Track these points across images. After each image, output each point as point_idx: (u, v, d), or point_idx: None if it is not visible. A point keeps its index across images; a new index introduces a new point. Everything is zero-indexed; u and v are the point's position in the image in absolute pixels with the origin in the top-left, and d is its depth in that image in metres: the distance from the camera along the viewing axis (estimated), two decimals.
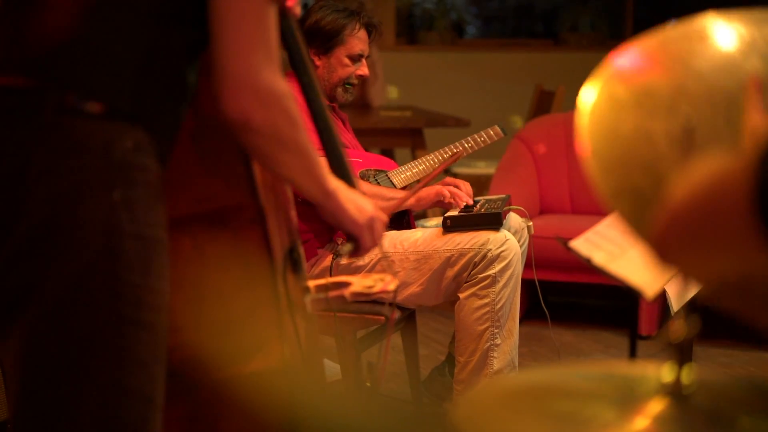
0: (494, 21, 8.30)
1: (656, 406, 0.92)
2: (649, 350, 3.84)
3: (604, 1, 7.55)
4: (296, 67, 1.73)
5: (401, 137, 5.10)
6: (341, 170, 1.75)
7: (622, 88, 0.93)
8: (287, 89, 1.44)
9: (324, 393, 1.82)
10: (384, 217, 1.72)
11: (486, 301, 2.89)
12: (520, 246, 2.98)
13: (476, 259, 2.88)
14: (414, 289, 2.93)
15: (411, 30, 7.40)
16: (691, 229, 0.72)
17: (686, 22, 0.98)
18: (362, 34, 3.07)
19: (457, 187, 3.09)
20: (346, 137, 3.13)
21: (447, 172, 5.58)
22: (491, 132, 3.33)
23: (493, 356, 2.91)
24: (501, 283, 2.89)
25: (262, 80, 1.40)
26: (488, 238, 2.89)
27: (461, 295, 2.92)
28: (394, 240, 2.97)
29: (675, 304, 2.13)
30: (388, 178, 3.16)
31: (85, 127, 1.31)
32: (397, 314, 3.00)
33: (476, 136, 3.31)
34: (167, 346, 1.38)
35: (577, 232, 2.04)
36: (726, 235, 0.69)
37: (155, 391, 1.35)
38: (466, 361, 2.94)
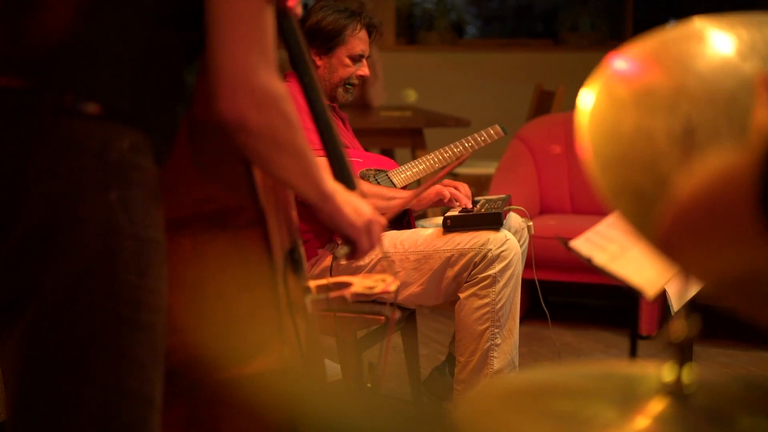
0: (494, 21, 8.30)
1: (657, 406, 0.92)
2: (650, 350, 3.84)
3: (604, 1, 7.56)
4: (297, 67, 1.72)
5: (401, 137, 5.10)
6: (342, 171, 1.74)
7: (623, 87, 0.93)
8: (284, 90, 1.43)
9: (325, 393, 1.82)
10: (383, 220, 1.71)
11: (486, 301, 2.89)
12: (521, 246, 2.98)
13: (476, 259, 2.88)
14: (414, 289, 2.93)
15: (411, 30, 7.41)
16: (696, 224, 0.72)
17: (685, 24, 0.98)
18: (363, 34, 3.08)
19: (455, 189, 3.09)
20: (346, 137, 3.13)
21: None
22: (491, 131, 3.34)
23: (493, 356, 2.92)
24: (501, 283, 2.89)
25: (258, 81, 1.39)
26: (488, 238, 2.89)
27: (461, 295, 2.92)
28: (395, 240, 2.98)
29: (675, 303, 2.13)
30: (388, 177, 3.16)
31: (82, 127, 1.31)
32: (397, 315, 3.00)
33: (476, 136, 3.31)
34: (167, 347, 1.38)
35: (578, 232, 2.04)
36: (731, 230, 0.69)
37: (153, 392, 1.35)
38: (467, 361, 2.94)
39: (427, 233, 2.99)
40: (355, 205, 1.64)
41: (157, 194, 1.37)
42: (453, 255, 2.90)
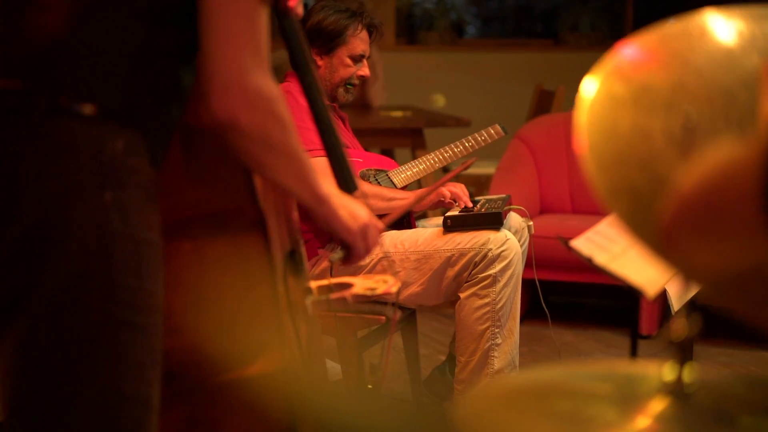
0: (494, 21, 8.30)
1: (657, 406, 0.91)
2: (650, 349, 3.84)
3: (604, 1, 7.55)
4: (298, 67, 1.70)
5: (401, 137, 5.09)
6: (343, 171, 1.73)
7: (621, 84, 0.93)
8: (277, 92, 1.42)
9: (326, 394, 1.82)
10: (380, 224, 1.70)
11: (486, 300, 2.89)
12: (521, 246, 2.98)
13: (477, 259, 2.88)
14: (414, 288, 2.93)
15: (411, 30, 7.40)
16: (699, 217, 0.72)
17: (685, 19, 0.98)
18: (364, 34, 3.08)
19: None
20: (346, 137, 3.13)
21: (446, 171, 5.58)
22: (492, 131, 3.34)
23: (493, 356, 2.92)
24: (501, 283, 2.89)
25: (250, 81, 1.37)
26: (489, 238, 2.89)
27: (462, 295, 2.92)
28: (395, 240, 2.98)
29: (676, 303, 2.13)
30: (389, 177, 3.16)
31: (76, 128, 1.30)
32: (398, 315, 3.00)
33: (477, 136, 3.31)
34: (166, 349, 1.38)
35: (578, 232, 2.04)
36: (734, 223, 0.69)
37: (151, 394, 1.34)
38: (467, 361, 2.94)
39: (427, 233, 2.99)
40: (352, 209, 1.62)
41: (153, 195, 1.37)
42: (453, 255, 2.90)
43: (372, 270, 2.92)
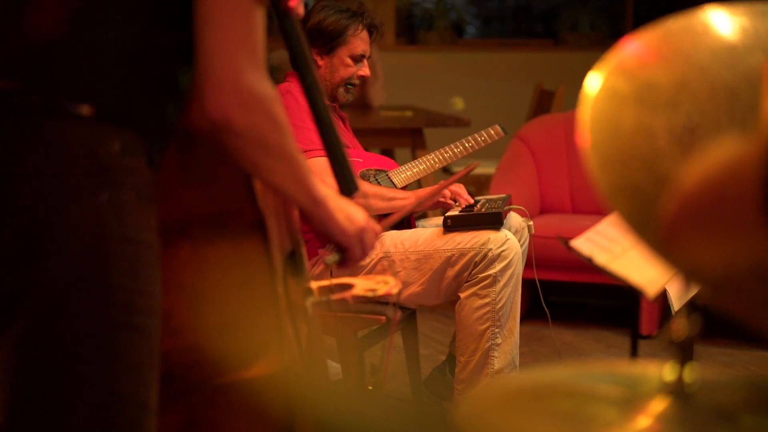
0: (494, 21, 8.30)
1: (658, 406, 0.91)
2: (651, 349, 3.84)
3: (604, 1, 7.56)
4: (299, 67, 1.69)
5: (401, 137, 5.09)
6: (343, 171, 1.72)
7: (624, 81, 0.93)
8: (271, 92, 1.40)
9: (326, 395, 1.81)
10: (377, 228, 1.69)
11: (487, 300, 2.89)
12: (521, 245, 2.98)
13: (477, 259, 2.88)
14: (415, 288, 2.93)
15: (411, 30, 7.40)
16: (702, 214, 0.72)
17: (689, 15, 0.97)
18: (364, 34, 3.08)
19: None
20: (346, 137, 3.13)
21: (446, 171, 5.58)
22: (491, 131, 3.34)
23: (493, 356, 2.92)
24: (501, 283, 2.89)
25: (244, 81, 1.36)
26: (489, 238, 2.89)
27: (462, 295, 2.92)
28: (395, 239, 2.98)
29: (676, 303, 2.13)
30: (389, 177, 3.16)
31: (71, 129, 1.29)
32: (399, 316, 3.00)
33: (476, 136, 3.31)
34: (166, 350, 1.37)
35: (578, 232, 2.04)
36: (736, 221, 0.69)
37: (149, 396, 1.33)
38: (467, 361, 2.94)
39: (427, 233, 2.99)
40: (348, 212, 1.60)
41: (150, 196, 1.36)
42: (453, 255, 2.90)
43: (372, 270, 2.92)
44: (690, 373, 0.92)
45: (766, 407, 0.92)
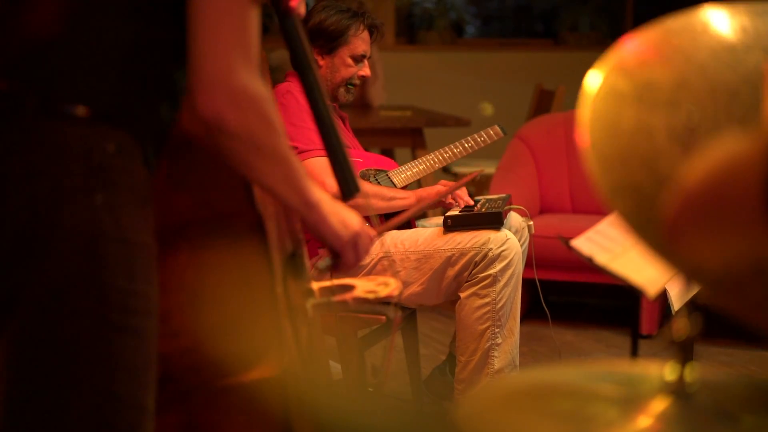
0: (493, 21, 8.30)
1: (658, 405, 0.91)
2: (651, 349, 3.84)
3: (604, 1, 7.55)
4: (299, 67, 1.68)
5: (401, 137, 5.09)
6: (344, 171, 1.71)
7: (624, 80, 0.93)
8: (265, 93, 1.39)
9: (328, 396, 1.81)
10: (372, 233, 1.68)
11: (487, 300, 2.89)
12: (521, 245, 2.98)
13: (477, 259, 2.88)
14: (415, 288, 2.93)
15: (411, 30, 7.40)
16: (703, 212, 0.72)
17: (688, 14, 0.97)
18: (365, 34, 3.09)
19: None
20: (346, 137, 3.13)
21: (445, 171, 5.58)
22: (491, 132, 3.34)
23: (494, 355, 2.92)
24: (502, 283, 2.89)
25: (237, 81, 1.34)
26: (489, 238, 2.89)
27: (462, 295, 2.92)
28: (395, 239, 2.98)
29: (676, 302, 2.13)
30: (389, 177, 3.16)
31: (66, 130, 1.29)
32: (400, 317, 3.00)
33: (476, 136, 3.31)
34: (164, 352, 1.37)
35: (578, 232, 2.04)
36: (737, 219, 0.69)
37: (146, 397, 1.33)
38: (467, 361, 2.94)
39: (427, 233, 2.99)
40: (343, 216, 1.59)
41: (147, 197, 1.35)
42: (453, 254, 2.90)
43: (372, 270, 2.92)
44: (690, 373, 0.92)
45: (766, 407, 0.92)
